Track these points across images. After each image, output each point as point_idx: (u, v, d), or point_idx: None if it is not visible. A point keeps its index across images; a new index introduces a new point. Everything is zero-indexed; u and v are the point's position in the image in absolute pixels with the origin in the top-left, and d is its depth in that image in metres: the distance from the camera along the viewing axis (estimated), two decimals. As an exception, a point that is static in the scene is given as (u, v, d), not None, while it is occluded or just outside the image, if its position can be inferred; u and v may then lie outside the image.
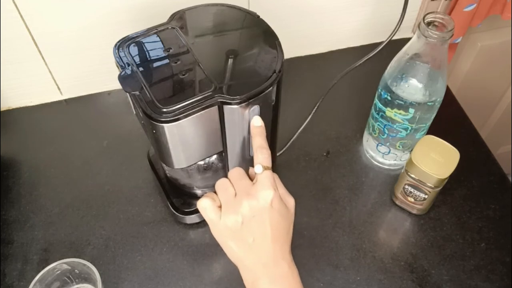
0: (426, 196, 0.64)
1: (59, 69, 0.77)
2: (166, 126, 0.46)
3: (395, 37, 0.62)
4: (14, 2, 0.66)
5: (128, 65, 0.50)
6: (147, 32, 0.53)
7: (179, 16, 0.55)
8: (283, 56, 0.50)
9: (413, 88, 0.61)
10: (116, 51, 0.51)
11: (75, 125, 0.79)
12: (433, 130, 0.67)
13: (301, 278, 0.62)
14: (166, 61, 0.50)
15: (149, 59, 0.51)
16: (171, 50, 0.51)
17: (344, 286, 0.62)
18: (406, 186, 0.65)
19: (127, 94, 0.48)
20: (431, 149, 0.62)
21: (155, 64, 0.50)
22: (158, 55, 0.51)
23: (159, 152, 0.51)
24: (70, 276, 0.59)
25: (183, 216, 0.65)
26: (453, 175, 0.60)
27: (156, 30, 0.53)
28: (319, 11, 0.81)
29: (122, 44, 0.52)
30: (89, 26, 0.72)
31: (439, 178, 0.60)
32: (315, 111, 0.67)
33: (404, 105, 0.62)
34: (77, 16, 0.70)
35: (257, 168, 0.46)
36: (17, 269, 0.63)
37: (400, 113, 0.63)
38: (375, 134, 0.70)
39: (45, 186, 0.71)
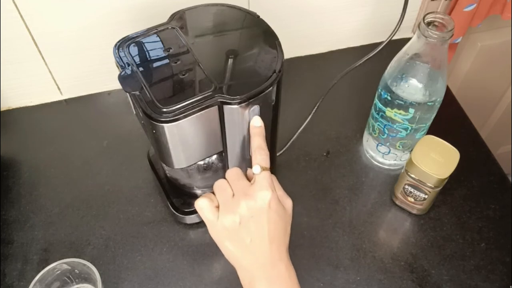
0: (426, 196, 0.64)
1: (59, 69, 0.77)
2: (166, 126, 0.46)
3: (395, 37, 0.62)
4: (14, 2, 0.66)
5: (128, 65, 0.50)
6: (147, 32, 0.53)
7: (179, 16, 0.55)
8: (283, 56, 0.50)
9: (413, 88, 0.61)
10: (116, 51, 0.51)
11: (75, 125, 0.79)
12: (433, 130, 0.67)
13: (301, 278, 0.62)
14: (166, 61, 0.50)
15: (149, 59, 0.51)
16: (171, 50, 0.51)
17: (344, 286, 0.62)
18: (406, 186, 0.65)
19: (127, 94, 0.48)
20: (431, 149, 0.62)
21: (155, 64, 0.50)
22: (158, 55, 0.51)
23: (159, 152, 0.51)
24: (70, 276, 0.59)
25: (183, 216, 0.65)
26: (453, 175, 0.60)
27: (156, 30, 0.53)
28: (319, 11, 0.81)
29: (122, 44, 0.52)
30: (89, 26, 0.72)
31: (439, 178, 0.60)
32: (315, 111, 0.67)
33: (404, 105, 0.62)
34: (77, 16, 0.70)
35: (256, 169, 0.46)
36: (17, 269, 0.63)
37: (400, 113, 0.63)
38: (375, 134, 0.70)
39: (45, 186, 0.71)
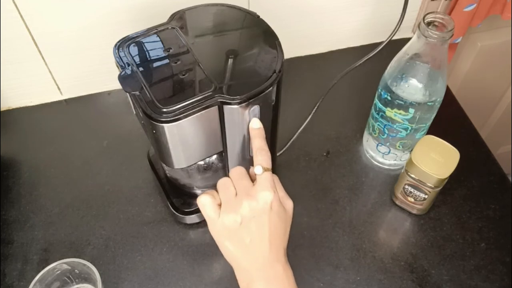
0: (426, 196, 0.64)
1: (59, 69, 0.77)
2: (166, 126, 0.46)
3: (395, 37, 0.62)
4: (14, 2, 0.66)
5: (128, 65, 0.50)
6: (147, 32, 0.53)
7: (179, 16, 0.55)
8: (283, 56, 0.50)
9: (413, 88, 0.61)
10: (116, 51, 0.51)
11: (75, 125, 0.79)
12: (433, 130, 0.67)
13: (301, 278, 0.63)
14: (166, 61, 0.50)
15: (149, 59, 0.51)
16: (171, 50, 0.51)
17: (344, 286, 0.62)
18: (406, 186, 0.65)
19: (127, 94, 0.48)
20: (431, 149, 0.62)
21: (155, 64, 0.50)
22: (158, 55, 0.51)
23: (159, 152, 0.51)
24: (70, 276, 0.59)
25: (183, 216, 0.65)
26: (453, 175, 0.60)
27: (156, 30, 0.53)
28: (319, 11, 0.81)
29: (122, 44, 0.52)
30: (89, 26, 0.72)
31: (439, 178, 0.60)
32: (315, 111, 0.67)
33: (404, 105, 0.62)
34: (77, 16, 0.70)
35: (257, 169, 0.46)
36: (17, 269, 0.63)
37: (400, 113, 0.63)
38: (375, 134, 0.70)
39: (45, 186, 0.71)
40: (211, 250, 0.65)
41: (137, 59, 0.50)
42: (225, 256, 0.48)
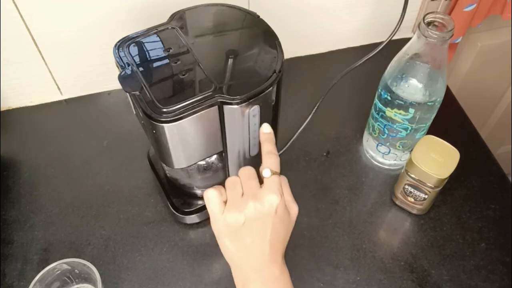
0: (426, 196, 0.64)
1: (59, 69, 0.77)
2: (166, 126, 0.46)
3: (395, 37, 0.62)
4: (14, 2, 0.66)
5: (128, 65, 0.50)
6: (147, 32, 0.53)
7: (179, 16, 0.55)
8: (283, 56, 0.50)
9: (413, 88, 0.61)
10: (116, 51, 0.51)
11: (75, 125, 0.79)
12: (433, 130, 0.67)
13: (301, 278, 0.63)
14: (166, 61, 0.50)
15: (149, 59, 0.51)
16: (171, 50, 0.51)
17: (344, 286, 0.62)
18: (406, 186, 0.65)
19: (127, 94, 0.48)
20: (431, 149, 0.62)
21: (155, 64, 0.50)
22: (158, 55, 0.51)
23: (159, 152, 0.51)
24: (70, 276, 0.59)
25: (183, 216, 0.65)
26: (453, 175, 0.60)
27: (156, 30, 0.53)
28: (319, 11, 0.81)
29: (122, 44, 0.52)
30: (89, 26, 0.72)
31: (439, 178, 0.60)
32: (315, 111, 0.67)
33: (404, 105, 0.62)
34: (77, 16, 0.70)
35: (265, 172, 0.46)
36: (17, 269, 0.63)
37: (400, 113, 0.63)
38: (375, 134, 0.70)
39: (45, 186, 0.71)
40: (211, 250, 0.65)
41: (137, 59, 0.50)
42: (223, 254, 0.48)
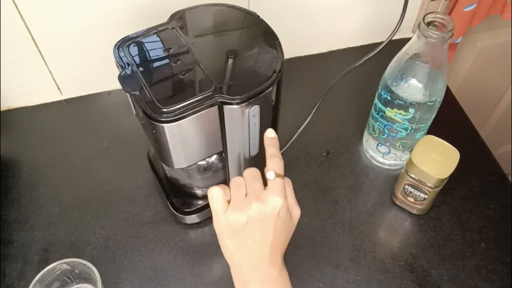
0: (426, 196, 0.64)
1: (59, 69, 0.77)
2: (166, 126, 0.46)
3: (395, 37, 0.62)
4: (14, 2, 0.66)
5: (128, 65, 0.50)
6: (147, 32, 0.53)
7: (179, 16, 0.55)
8: (283, 56, 0.50)
9: (413, 88, 0.61)
10: (116, 51, 0.51)
11: (75, 125, 0.79)
12: (433, 130, 0.67)
13: (301, 278, 0.63)
14: (166, 61, 0.50)
15: (149, 59, 0.51)
16: (171, 50, 0.51)
17: (344, 286, 0.62)
18: (406, 186, 0.65)
19: (127, 94, 0.48)
20: (431, 149, 0.62)
21: (155, 64, 0.50)
22: (158, 55, 0.51)
23: (159, 152, 0.51)
24: (70, 276, 0.59)
25: (183, 216, 0.65)
26: (453, 175, 0.60)
27: (156, 30, 0.53)
28: (319, 11, 0.81)
29: (122, 44, 0.52)
30: (89, 26, 0.72)
31: (439, 178, 0.60)
32: (315, 111, 0.67)
33: (404, 105, 0.62)
34: (77, 16, 0.70)
35: (270, 174, 0.46)
36: (17, 269, 0.63)
37: (400, 113, 0.63)
38: (375, 134, 0.70)
39: (45, 186, 0.71)
40: (211, 250, 0.65)
41: (137, 59, 0.50)
42: (223, 253, 0.48)
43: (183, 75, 0.49)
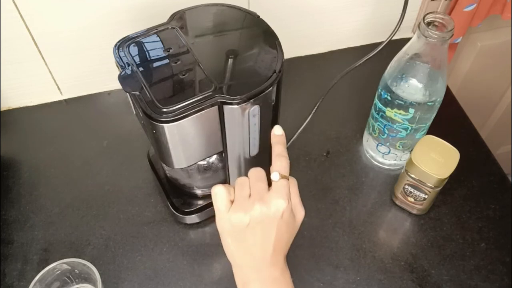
0: (426, 196, 0.64)
1: (59, 69, 0.77)
2: (166, 126, 0.46)
3: (395, 37, 0.62)
4: (14, 2, 0.66)
5: (128, 65, 0.50)
6: (147, 32, 0.53)
7: (179, 16, 0.55)
8: (283, 56, 0.50)
9: (413, 88, 0.61)
10: (116, 51, 0.51)
11: (75, 125, 0.79)
12: (433, 130, 0.67)
13: (301, 278, 0.63)
14: (166, 61, 0.50)
15: (149, 59, 0.51)
16: (171, 50, 0.51)
17: (344, 286, 0.62)
18: (406, 186, 0.65)
19: (127, 94, 0.48)
20: (431, 149, 0.62)
21: (155, 64, 0.50)
22: (158, 55, 0.51)
23: (159, 152, 0.51)
24: (70, 276, 0.59)
25: (183, 216, 0.65)
26: (453, 175, 0.60)
27: (156, 30, 0.53)
28: (319, 11, 0.81)
29: (122, 44, 0.52)
30: (89, 26, 0.72)
31: (439, 178, 0.60)
32: (315, 111, 0.67)
33: (404, 105, 0.62)
34: (77, 16, 0.70)
35: (274, 176, 0.46)
36: (17, 269, 0.63)
37: (400, 113, 0.63)
38: (375, 134, 0.70)
39: (45, 186, 0.71)
40: (211, 250, 0.65)
41: (137, 59, 0.50)
42: (225, 252, 0.48)
43: (183, 75, 0.49)
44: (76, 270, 0.58)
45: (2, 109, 0.80)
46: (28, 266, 0.63)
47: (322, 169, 0.73)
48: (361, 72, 0.69)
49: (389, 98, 0.63)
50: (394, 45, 0.63)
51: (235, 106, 0.47)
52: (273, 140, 0.49)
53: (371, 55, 0.63)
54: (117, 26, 0.71)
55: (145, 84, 0.48)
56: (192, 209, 0.65)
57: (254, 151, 0.55)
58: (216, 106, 0.47)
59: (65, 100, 0.82)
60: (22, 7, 0.66)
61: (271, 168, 0.47)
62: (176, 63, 0.50)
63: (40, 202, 0.70)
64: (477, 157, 0.74)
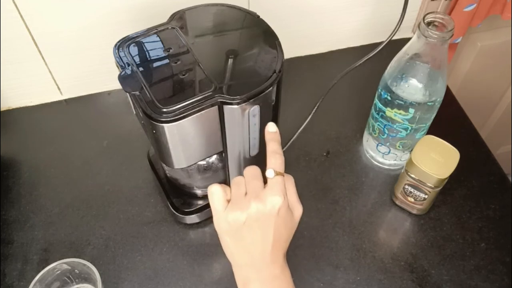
0: (426, 196, 0.64)
1: (59, 69, 0.77)
2: (166, 126, 0.46)
3: (395, 37, 0.62)
4: (14, 2, 0.66)
5: (128, 65, 0.50)
6: (147, 32, 0.53)
7: (179, 16, 0.55)
8: (283, 56, 0.50)
9: (413, 88, 0.61)
10: (116, 51, 0.51)
11: (75, 125, 0.79)
12: (433, 130, 0.67)
13: (301, 278, 0.63)
14: (166, 61, 0.50)
15: (149, 59, 0.51)
16: (171, 50, 0.51)
17: (344, 286, 0.62)
18: (406, 186, 0.65)
19: (127, 94, 0.48)
20: (431, 149, 0.62)
21: (155, 64, 0.50)
22: (158, 55, 0.51)
23: (159, 152, 0.51)
24: (70, 276, 0.59)
25: (183, 216, 0.65)
26: (453, 175, 0.60)
27: (156, 30, 0.53)
28: (319, 11, 0.81)
29: (122, 44, 0.52)
30: (89, 26, 0.72)
31: (439, 178, 0.60)
32: (315, 111, 0.67)
33: (404, 105, 0.62)
34: (77, 16, 0.70)
35: (269, 173, 0.46)
36: (17, 269, 0.63)
37: (400, 113, 0.63)
38: (375, 134, 0.70)
39: (45, 186, 0.71)
40: (211, 250, 0.65)
41: (137, 59, 0.50)
42: (224, 251, 0.48)
43: (183, 75, 0.49)
44: (76, 270, 0.58)
45: (2, 109, 0.81)
46: (28, 266, 0.63)
47: (322, 169, 0.73)
48: (361, 72, 0.69)
49: (389, 98, 0.63)
50: (394, 45, 0.63)
51: (235, 106, 0.47)
52: (267, 137, 0.49)
53: (371, 55, 0.63)
54: (117, 26, 0.71)
55: (145, 84, 0.48)
56: (192, 209, 0.65)
57: (254, 151, 0.55)
58: (216, 106, 0.47)
59: (65, 100, 0.82)
60: (22, 7, 0.67)
61: (267, 165, 0.47)
62: (176, 63, 0.50)
63: (40, 202, 0.70)
64: (477, 157, 0.74)
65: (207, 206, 0.65)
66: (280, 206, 0.45)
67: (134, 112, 0.54)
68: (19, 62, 0.74)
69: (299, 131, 0.68)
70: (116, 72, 0.50)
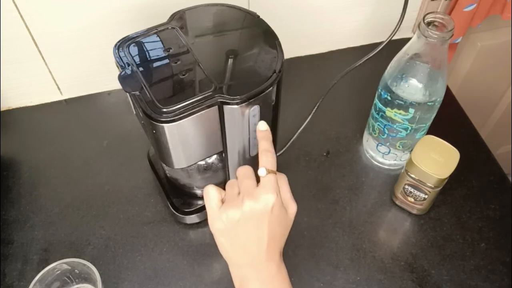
0: (426, 196, 0.64)
1: (59, 69, 0.77)
2: (166, 126, 0.46)
3: (395, 37, 0.62)
4: (14, 2, 0.66)
5: (128, 65, 0.50)
6: (147, 32, 0.53)
7: (179, 16, 0.55)
8: (283, 56, 0.50)
9: (413, 88, 0.61)
10: (116, 51, 0.51)
11: (75, 125, 0.79)
12: (433, 130, 0.67)
13: (301, 278, 0.63)
14: (166, 61, 0.50)
15: (149, 59, 0.51)
16: (171, 50, 0.51)
17: (344, 286, 0.62)
18: (406, 186, 0.65)
19: (127, 94, 0.48)
20: (431, 149, 0.62)
21: (155, 64, 0.50)
22: (158, 55, 0.51)
23: (159, 152, 0.51)
24: (70, 276, 0.59)
25: (183, 216, 0.65)
26: (453, 175, 0.60)
27: (156, 30, 0.53)
28: (319, 11, 0.82)
29: (122, 44, 0.52)
30: (89, 26, 0.72)
31: (439, 178, 0.60)
32: (315, 111, 0.67)
33: (404, 105, 0.62)
34: (77, 16, 0.70)
35: (261, 171, 0.46)
36: (17, 269, 0.63)
37: (400, 113, 0.63)
38: (375, 134, 0.70)
39: (45, 186, 0.71)
40: (211, 250, 0.65)
41: (137, 59, 0.50)
42: (220, 251, 0.48)
43: (183, 75, 0.49)
44: (76, 270, 0.58)
45: (2, 109, 0.81)
46: (28, 266, 0.63)
47: (322, 169, 0.73)
48: (361, 72, 0.69)
49: (389, 98, 0.63)
50: (394, 45, 0.63)
51: (235, 106, 0.47)
52: (259, 135, 0.50)
53: (371, 55, 0.63)
54: (117, 26, 0.71)
55: (145, 84, 0.48)
56: (192, 209, 0.65)
57: (254, 151, 0.55)
58: (216, 106, 0.47)
59: (65, 100, 0.82)
60: (22, 7, 0.67)
61: (259, 163, 0.47)
62: (176, 63, 0.50)
63: (40, 202, 0.70)
64: (477, 157, 0.74)
65: (207, 206, 0.65)
66: (273, 203, 0.45)
67: (134, 112, 0.54)
68: (19, 62, 0.74)
69: (299, 131, 0.68)
70: (116, 72, 0.50)
